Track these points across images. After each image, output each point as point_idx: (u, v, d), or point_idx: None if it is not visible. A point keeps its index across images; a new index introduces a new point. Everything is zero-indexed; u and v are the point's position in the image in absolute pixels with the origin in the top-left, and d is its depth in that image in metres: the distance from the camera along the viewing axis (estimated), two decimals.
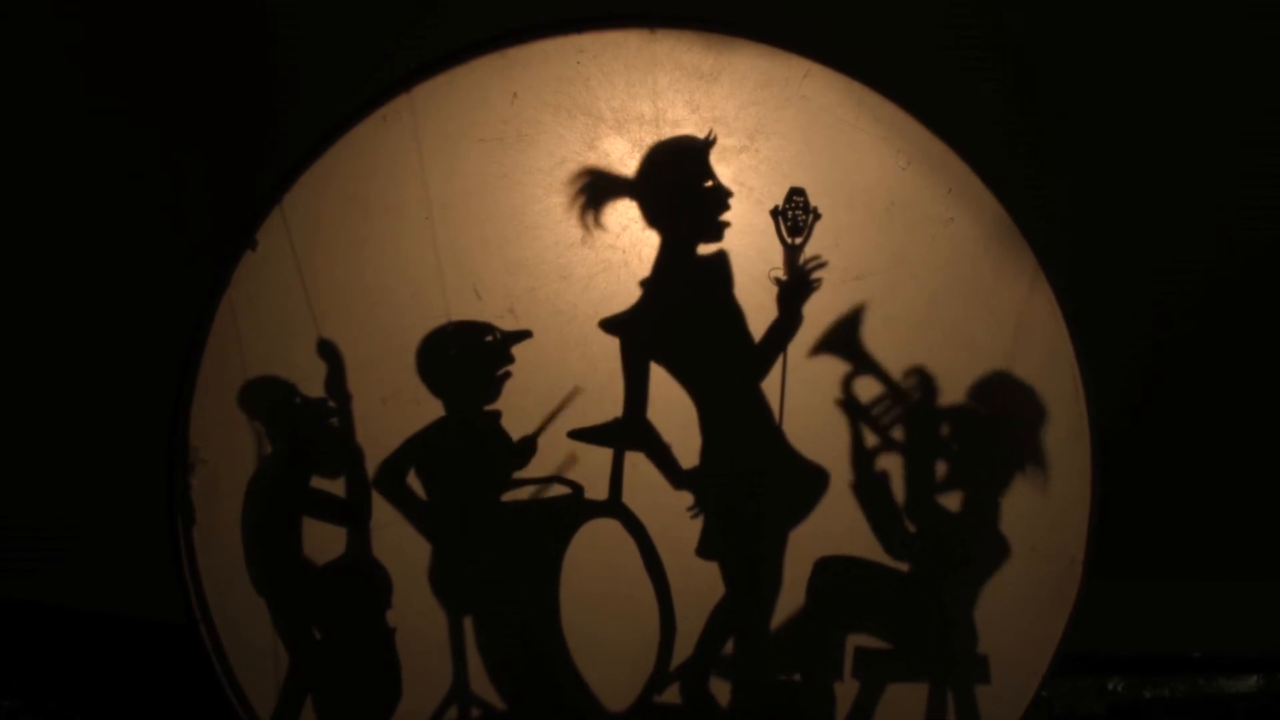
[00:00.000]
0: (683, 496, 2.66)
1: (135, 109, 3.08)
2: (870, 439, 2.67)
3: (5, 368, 3.15)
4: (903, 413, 2.66)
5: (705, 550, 2.67)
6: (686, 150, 2.59)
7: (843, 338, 2.64)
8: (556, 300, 2.64)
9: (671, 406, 2.65)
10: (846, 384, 2.65)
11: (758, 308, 2.62)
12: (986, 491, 2.69)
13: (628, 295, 2.63)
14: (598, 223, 2.60)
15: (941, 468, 2.68)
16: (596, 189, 2.59)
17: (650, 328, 2.62)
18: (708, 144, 2.59)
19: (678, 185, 2.60)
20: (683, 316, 2.63)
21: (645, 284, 2.61)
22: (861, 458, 2.67)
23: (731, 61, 2.61)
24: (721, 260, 2.61)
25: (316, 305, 2.64)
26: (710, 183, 2.60)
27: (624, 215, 2.62)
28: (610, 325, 2.62)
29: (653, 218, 2.60)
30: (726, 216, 2.60)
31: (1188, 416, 3.16)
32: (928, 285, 2.66)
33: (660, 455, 2.65)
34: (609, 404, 2.65)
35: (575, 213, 2.60)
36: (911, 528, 2.68)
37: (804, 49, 2.61)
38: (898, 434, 2.67)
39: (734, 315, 2.62)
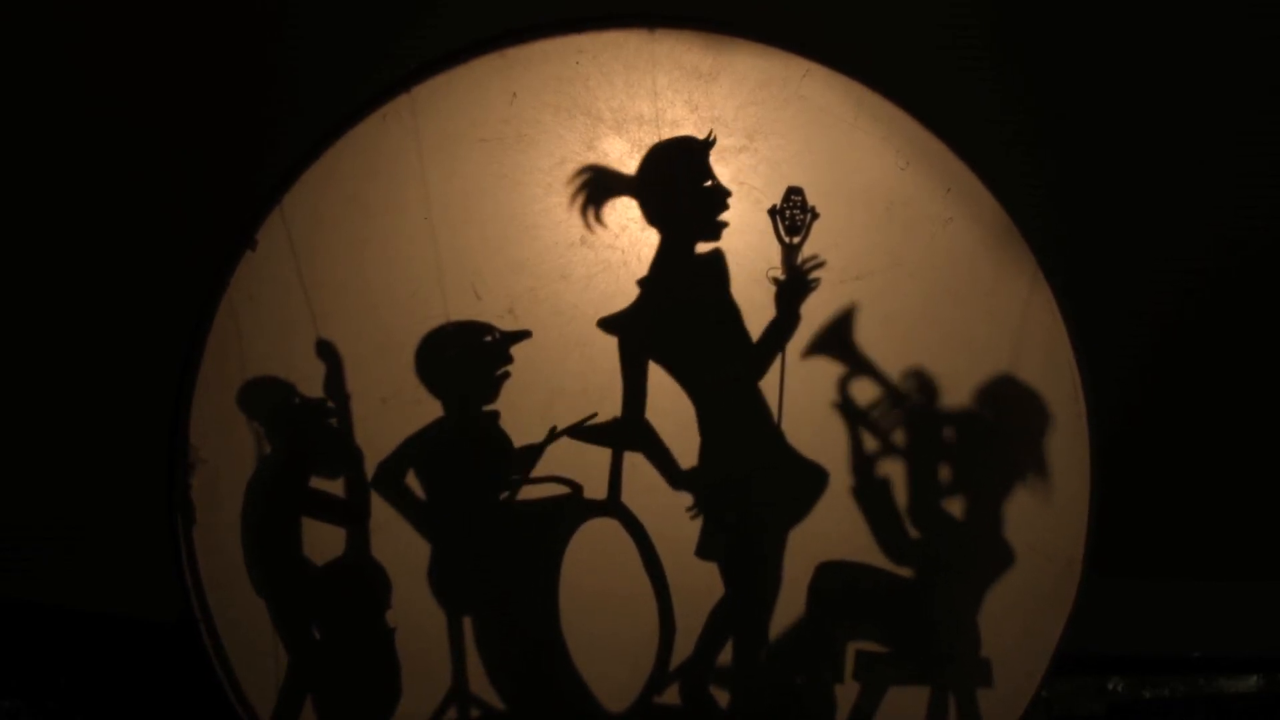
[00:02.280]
0: (682, 496, 2.66)
1: (135, 109, 3.08)
2: (870, 443, 2.66)
3: (5, 368, 3.15)
4: (901, 416, 2.66)
5: (705, 551, 2.67)
6: (687, 150, 2.60)
7: (836, 338, 2.63)
8: (556, 300, 2.64)
9: (672, 407, 2.65)
10: (843, 386, 2.65)
11: (756, 307, 2.63)
12: (989, 495, 2.68)
13: (628, 295, 2.63)
14: (598, 219, 2.60)
15: (944, 472, 2.68)
16: (597, 185, 2.59)
17: (648, 327, 2.62)
18: (708, 144, 2.59)
19: (678, 185, 2.60)
20: (680, 315, 2.63)
21: (643, 283, 2.62)
22: (862, 463, 2.66)
23: (731, 61, 2.61)
24: (718, 259, 2.61)
25: (316, 305, 2.64)
26: (710, 182, 2.60)
27: (624, 215, 2.62)
28: (609, 324, 2.62)
29: (653, 216, 2.61)
30: (725, 216, 2.60)
31: (1187, 416, 3.16)
32: (926, 285, 2.66)
33: (659, 455, 2.65)
34: (609, 404, 2.65)
35: (576, 209, 2.60)
36: (914, 534, 2.67)
37: (803, 49, 2.61)
38: (898, 438, 2.67)
39: (731, 314, 2.62)
